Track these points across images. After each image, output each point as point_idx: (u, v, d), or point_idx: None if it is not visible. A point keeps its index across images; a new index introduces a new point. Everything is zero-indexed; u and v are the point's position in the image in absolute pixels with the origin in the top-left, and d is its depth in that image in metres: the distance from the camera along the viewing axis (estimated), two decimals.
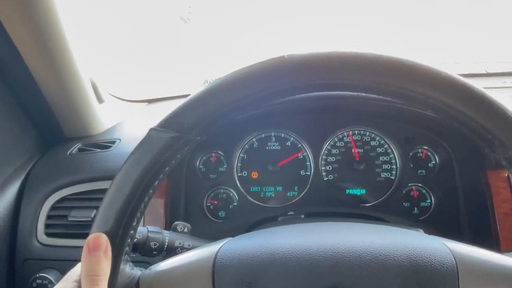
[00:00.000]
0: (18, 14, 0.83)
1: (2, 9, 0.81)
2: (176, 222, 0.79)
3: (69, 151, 1.07)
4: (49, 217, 0.97)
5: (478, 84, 0.48)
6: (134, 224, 0.49)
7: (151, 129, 0.50)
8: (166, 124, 0.49)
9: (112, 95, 1.33)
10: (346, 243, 0.52)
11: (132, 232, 0.49)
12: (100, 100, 1.15)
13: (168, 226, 0.93)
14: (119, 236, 0.47)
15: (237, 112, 0.51)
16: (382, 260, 0.49)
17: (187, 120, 0.49)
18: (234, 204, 1.06)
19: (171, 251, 0.74)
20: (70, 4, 0.93)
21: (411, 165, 1.04)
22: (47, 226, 0.97)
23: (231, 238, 0.57)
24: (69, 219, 0.95)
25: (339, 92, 0.95)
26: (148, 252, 0.72)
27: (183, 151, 0.50)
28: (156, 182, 0.50)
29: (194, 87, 1.40)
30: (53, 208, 0.97)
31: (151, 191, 0.49)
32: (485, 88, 0.47)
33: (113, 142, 1.09)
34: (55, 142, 1.13)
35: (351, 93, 0.95)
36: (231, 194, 1.06)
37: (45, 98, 1.01)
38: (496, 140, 0.47)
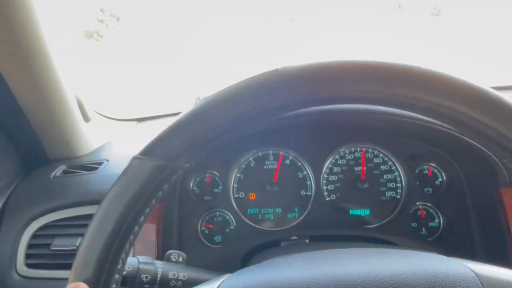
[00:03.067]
0: None
1: None
2: (169, 251, 0.72)
3: (53, 174, 1.00)
4: (30, 246, 0.89)
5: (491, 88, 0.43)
6: (119, 267, 0.42)
7: (134, 158, 0.44)
8: (150, 151, 0.43)
9: (99, 114, 1.27)
10: (360, 273, 0.46)
11: (117, 276, 0.42)
12: (86, 118, 1.09)
13: (161, 253, 0.86)
14: (101, 283, 0.40)
15: (230, 133, 0.45)
16: None
17: (173, 146, 0.43)
18: (230, 227, 0.99)
19: (164, 283, 0.67)
20: (52, 17, 0.87)
21: (417, 183, 0.99)
22: (27, 256, 0.89)
23: (230, 274, 0.50)
24: (52, 248, 0.88)
25: (339, 106, 0.90)
26: (139, 286, 0.65)
27: (170, 181, 0.44)
28: (142, 218, 0.44)
29: (187, 105, 1.34)
30: (34, 236, 0.90)
31: (136, 227, 0.43)
32: None
33: (100, 163, 1.02)
34: (38, 164, 1.05)
35: (351, 107, 0.91)
36: (227, 217, 0.99)
37: (27, 116, 0.94)
38: (502, 137, 0.42)
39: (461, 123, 0.44)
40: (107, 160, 1.04)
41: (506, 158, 0.44)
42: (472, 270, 0.45)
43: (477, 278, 0.44)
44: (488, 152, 0.83)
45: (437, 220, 0.97)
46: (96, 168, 1.00)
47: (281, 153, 1.00)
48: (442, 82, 0.43)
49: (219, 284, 0.47)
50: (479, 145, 0.83)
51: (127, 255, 0.43)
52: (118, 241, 0.41)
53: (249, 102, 0.44)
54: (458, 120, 0.44)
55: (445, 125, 0.83)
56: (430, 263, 0.48)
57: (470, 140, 0.84)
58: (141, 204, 0.42)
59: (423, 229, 0.97)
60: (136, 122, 1.39)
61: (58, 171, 1.01)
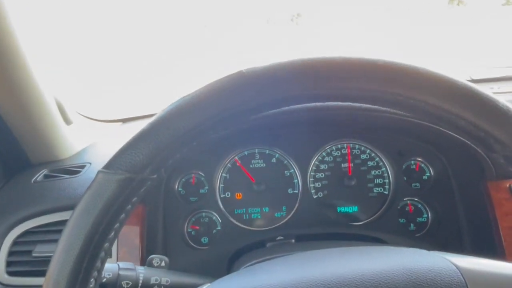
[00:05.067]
0: None
1: None
2: (151, 256, 0.70)
3: (34, 179, 0.97)
4: (11, 253, 0.87)
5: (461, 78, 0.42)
6: (92, 286, 0.41)
7: (99, 172, 0.42)
8: (114, 164, 0.42)
9: (82, 115, 1.25)
10: (340, 274, 0.45)
11: None
12: (67, 121, 1.06)
13: (145, 257, 0.85)
14: None
15: (197, 140, 0.44)
16: None
17: (138, 157, 0.41)
18: (217, 228, 0.97)
19: None
20: (28, 13, 0.85)
21: (405, 178, 0.98)
22: (8, 263, 0.87)
23: (209, 284, 0.49)
24: (33, 254, 0.86)
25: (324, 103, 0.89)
26: None
27: (139, 193, 0.43)
28: (112, 233, 0.42)
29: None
30: (15, 243, 0.88)
31: (107, 244, 0.42)
32: None
33: (83, 167, 1.00)
34: (20, 169, 1.03)
35: (336, 104, 0.90)
36: (214, 218, 0.98)
37: (5, 121, 0.92)
38: (491, 137, 0.41)
39: (426, 113, 0.43)
40: (90, 163, 1.01)
41: (481, 148, 0.44)
42: (453, 263, 0.45)
43: (458, 271, 0.43)
44: (474, 146, 0.82)
45: (425, 215, 0.96)
46: (78, 172, 0.98)
47: (267, 151, 0.99)
48: (404, 72, 0.42)
49: None
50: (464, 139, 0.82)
51: (99, 273, 0.42)
52: (88, 260, 0.40)
53: (214, 107, 0.42)
54: (424, 110, 0.43)
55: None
56: (411, 259, 0.47)
57: (455, 135, 0.83)
58: (109, 220, 0.41)
59: (412, 224, 0.97)
60: (121, 123, 1.37)
61: (40, 175, 0.98)
